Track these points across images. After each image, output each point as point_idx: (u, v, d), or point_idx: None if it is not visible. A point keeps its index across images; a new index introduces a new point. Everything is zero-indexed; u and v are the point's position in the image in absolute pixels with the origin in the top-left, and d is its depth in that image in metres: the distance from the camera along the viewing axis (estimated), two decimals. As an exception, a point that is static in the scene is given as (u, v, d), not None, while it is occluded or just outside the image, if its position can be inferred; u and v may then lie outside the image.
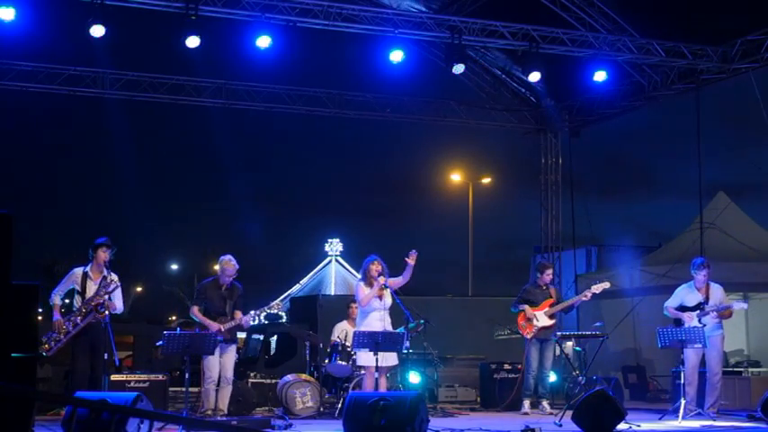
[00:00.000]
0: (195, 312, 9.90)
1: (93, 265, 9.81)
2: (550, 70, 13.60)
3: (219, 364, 9.73)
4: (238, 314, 9.83)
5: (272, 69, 14.57)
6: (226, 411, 9.77)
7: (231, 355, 9.91)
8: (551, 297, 11.56)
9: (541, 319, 11.42)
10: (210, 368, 9.65)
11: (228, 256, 9.98)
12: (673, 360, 11.70)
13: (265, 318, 14.33)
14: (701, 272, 10.40)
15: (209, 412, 9.57)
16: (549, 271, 11.76)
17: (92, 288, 9.69)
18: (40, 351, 9.44)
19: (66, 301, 10.06)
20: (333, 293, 43.51)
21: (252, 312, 10.04)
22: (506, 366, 12.46)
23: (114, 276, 9.76)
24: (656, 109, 16.90)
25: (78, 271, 9.82)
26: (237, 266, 9.95)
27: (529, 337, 11.48)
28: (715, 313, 10.32)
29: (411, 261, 9.76)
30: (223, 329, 9.68)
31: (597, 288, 11.22)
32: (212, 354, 9.43)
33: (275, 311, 10.92)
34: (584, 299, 11.32)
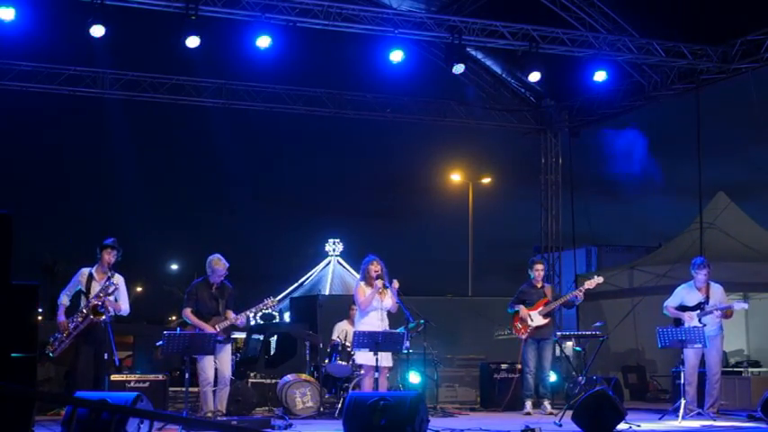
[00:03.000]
0: (188, 314, 9.74)
1: (98, 267, 9.81)
2: (550, 70, 13.61)
3: (215, 364, 9.62)
4: (230, 314, 9.72)
5: (272, 69, 14.58)
6: (224, 412, 9.72)
7: (227, 356, 9.80)
8: (546, 296, 11.55)
9: (536, 318, 11.42)
10: (205, 369, 9.53)
11: (217, 255, 9.84)
12: (673, 360, 11.70)
13: (261, 318, 14.30)
14: (701, 271, 10.40)
15: (210, 414, 9.51)
16: (538, 266, 11.68)
17: (96, 289, 9.69)
18: (46, 351, 9.49)
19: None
20: (329, 293, 43.43)
21: (246, 312, 10.00)
22: (506, 366, 12.46)
23: (118, 278, 9.71)
24: (656, 109, 16.89)
25: (85, 271, 9.84)
26: (227, 265, 9.81)
27: (524, 337, 11.49)
28: (719, 312, 10.32)
29: (396, 285, 9.82)
30: (218, 329, 9.61)
31: (591, 283, 11.22)
32: (212, 354, 9.40)
33: (269, 310, 10.82)
34: (578, 295, 11.33)
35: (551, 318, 11.51)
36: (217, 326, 9.61)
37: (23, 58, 14.41)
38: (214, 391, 9.65)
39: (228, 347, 9.92)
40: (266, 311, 10.73)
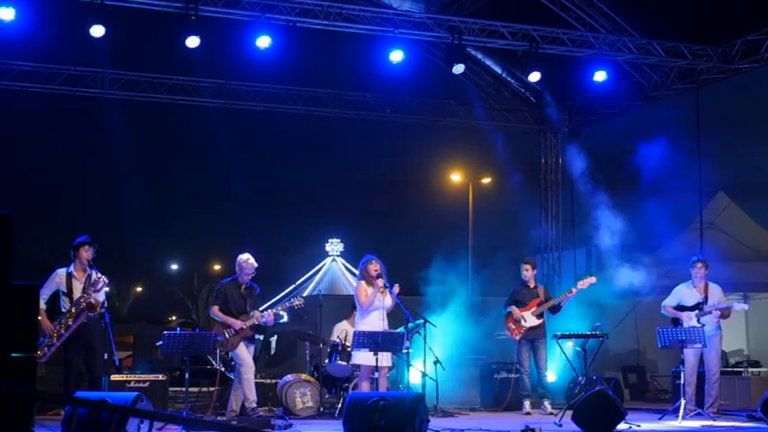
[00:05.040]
0: (215, 312, 9.82)
1: (77, 265, 9.67)
2: (550, 70, 13.61)
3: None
4: (256, 313, 9.83)
5: (271, 69, 14.57)
6: (238, 412, 9.78)
7: (251, 356, 9.95)
8: (538, 297, 11.59)
9: (529, 319, 11.46)
10: (244, 358, 9.66)
11: (247, 255, 9.93)
12: (673, 360, 11.70)
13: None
14: (695, 267, 10.43)
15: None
16: (526, 266, 11.74)
17: (78, 288, 9.58)
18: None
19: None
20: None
21: (272, 311, 10.03)
22: (506, 366, 12.46)
23: (99, 275, 9.57)
24: (657, 109, 16.86)
25: (61, 272, 9.66)
26: (256, 265, 9.91)
27: (517, 338, 11.52)
28: (718, 312, 10.32)
29: (396, 289, 9.83)
30: (245, 326, 9.68)
31: (583, 284, 11.25)
32: (211, 353, 9.45)
33: (295, 308, 10.78)
34: (570, 296, 11.36)
35: (544, 318, 11.56)
36: (246, 323, 9.68)
37: (23, 58, 14.40)
38: (233, 390, 9.79)
39: (253, 347, 10.05)
40: (293, 309, 10.69)
